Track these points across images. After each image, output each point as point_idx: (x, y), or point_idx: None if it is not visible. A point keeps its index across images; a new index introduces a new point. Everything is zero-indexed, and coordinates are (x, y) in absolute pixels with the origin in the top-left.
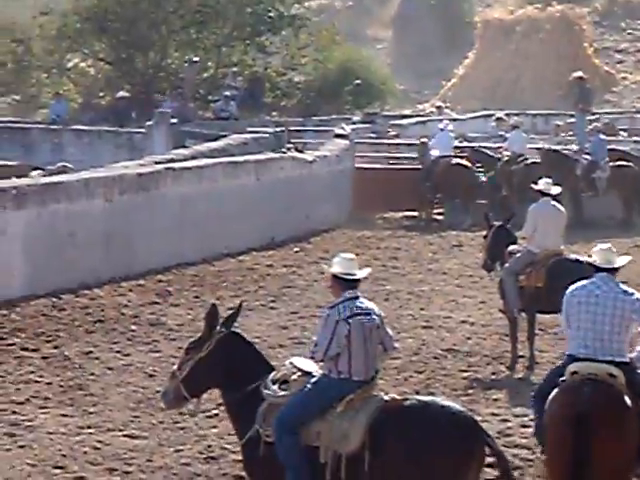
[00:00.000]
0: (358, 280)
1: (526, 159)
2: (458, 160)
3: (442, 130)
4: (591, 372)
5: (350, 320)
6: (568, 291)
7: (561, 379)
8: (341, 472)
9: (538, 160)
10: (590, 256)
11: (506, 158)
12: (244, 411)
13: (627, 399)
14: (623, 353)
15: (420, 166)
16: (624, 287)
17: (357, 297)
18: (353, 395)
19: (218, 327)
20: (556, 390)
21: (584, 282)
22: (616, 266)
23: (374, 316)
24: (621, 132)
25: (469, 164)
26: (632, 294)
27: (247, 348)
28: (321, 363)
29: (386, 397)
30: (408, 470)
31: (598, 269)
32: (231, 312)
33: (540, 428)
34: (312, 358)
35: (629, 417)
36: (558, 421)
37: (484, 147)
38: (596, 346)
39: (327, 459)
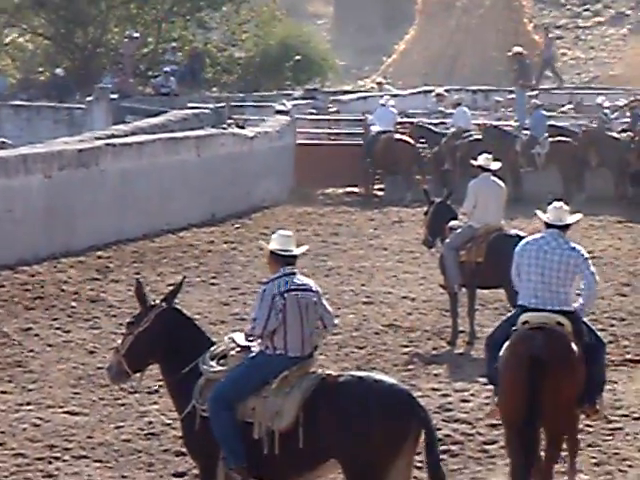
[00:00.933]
0: (295, 257)
1: (470, 135)
2: (399, 136)
3: (383, 106)
4: (541, 321)
5: (285, 295)
6: (519, 245)
7: (514, 328)
8: (275, 448)
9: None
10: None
11: (451, 133)
12: (183, 387)
13: (573, 345)
14: (569, 303)
15: (361, 142)
16: (572, 244)
17: (294, 273)
18: (288, 372)
19: (158, 302)
20: (512, 338)
21: (535, 236)
22: (567, 223)
23: (311, 292)
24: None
25: (410, 140)
26: (577, 250)
27: (186, 323)
28: (259, 340)
29: (322, 374)
30: (342, 445)
31: (549, 225)
32: (173, 287)
33: (493, 372)
34: (250, 335)
35: (575, 360)
36: (513, 365)
37: (427, 123)
38: (545, 297)
39: (261, 435)
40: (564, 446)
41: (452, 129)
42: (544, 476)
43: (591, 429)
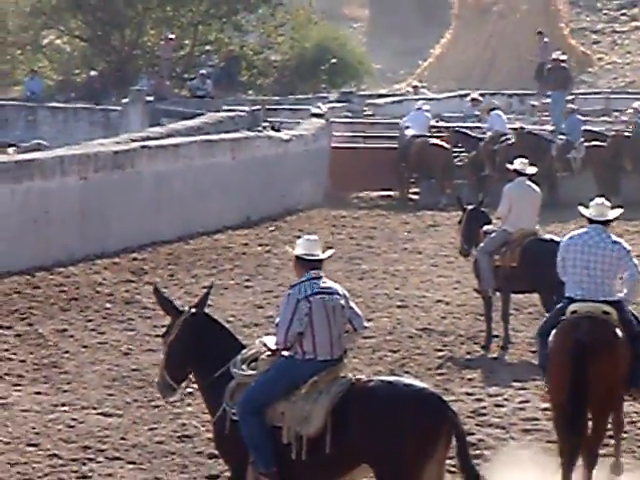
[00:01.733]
0: (321, 261)
1: (508, 139)
2: (434, 140)
3: (418, 109)
4: (588, 310)
5: (311, 298)
6: (564, 240)
7: (562, 317)
8: (302, 453)
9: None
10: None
11: (488, 138)
12: (216, 390)
13: (618, 331)
14: (614, 294)
15: (396, 145)
16: (614, 237)
17: (320, 277)
18: (317, 377)
19: (187, 308)
20: (559, 326)
21: (579, 232)
22: (608, 218)
23: (337, 296)
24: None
25: (444, 144)
26: (620, 243)
27: (214, 328)
28: (285, 349)
29: (352, 379)
30: (373, 449)
31: (592, 221)
32: (202, 294)
33: (544, 359)
34: (278, 344)
35: (619, 345)
36: (560, 350)
37: (464, 127)
38: (590, 288)
39: (290, 440)
40: (609, 427)
41: (489, 133)
42: (589, 457)
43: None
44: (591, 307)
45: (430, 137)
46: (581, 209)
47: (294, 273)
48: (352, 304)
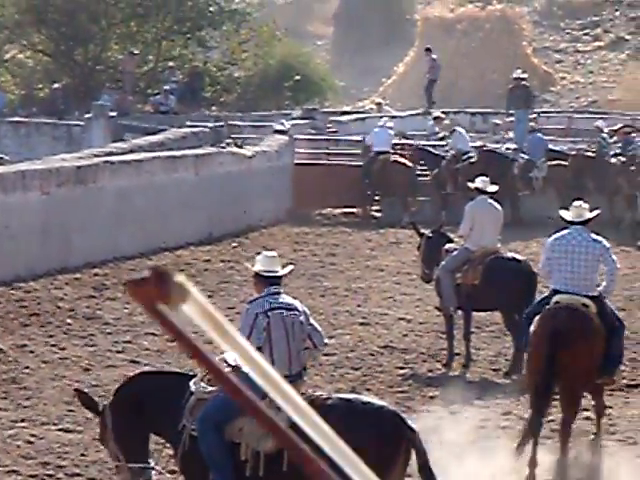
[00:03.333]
0: (280, 277)
1: (470, 157)
2: (397, 157)
3: (381, 127)
4: (569, 302)
5: (269, 313)
6: (549, 240)
7: (546, 307)
8: (259, 470)
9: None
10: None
11: (450, 156)
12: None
13: (594, 322)
14: (594, 288)
15: (359, 162)
16: (594, 236)
17: (279, 293)
18: None
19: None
20: (541, 313)
21: (562, 233)
22: (587, 218)
23: (296, 312)
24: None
25: (407, 162)
26: (600, 241)
27: (137, 389)
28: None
29: (311, 395)
30: None
31: (572, 222)
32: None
33: (526, 343)
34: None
35: (594, 335)
36: (540, 335)
37: (427, 145)
38: (574, 284)
39: (247, 456)
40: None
41: (451, 152)
42: (562, 436)
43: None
44: (572, 299)
45: (393, 154)
46: (562, 212)
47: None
48: (312, 320)
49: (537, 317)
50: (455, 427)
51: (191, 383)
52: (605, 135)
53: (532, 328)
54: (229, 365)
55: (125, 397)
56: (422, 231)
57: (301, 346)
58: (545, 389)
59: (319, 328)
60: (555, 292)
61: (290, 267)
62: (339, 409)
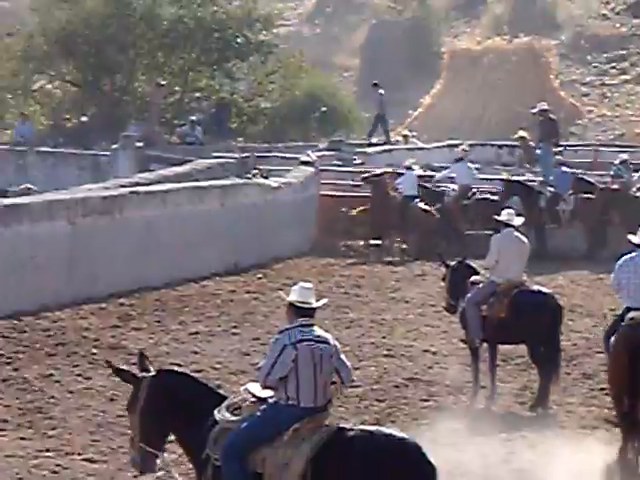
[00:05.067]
0: (313, 309)
1: (474, 193)
2: (423, 206)
3: (408, 169)
4: None
5: (298, 345)
6: (618, 263)
7: (622, 323)
8: None
9: (489, 195)
10: None
11: (457, 193)
12: (198, 439)
13: None
14: None
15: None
16: None
17: (311, 325)
18: (300, 424)
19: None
20: (618, 330)
21: (630, 255)
22: None
23: (327, 345)
24: None
25: (432, 210)
26: None
27: (183, 382)
28: (269, 391)
29: (334, 427)
30: None
31: (638, 245)
32: (138, 357)
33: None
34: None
35: None
36: (617, 351)
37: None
38: None
39: None
40: None
41: (453, 186)
42: None
43: None
44: None
45: (421, 200)
46: (630, 237)
47: (282, 320)
48: (342, 355)
49: (615, 334)
50: (480, 460)
51: (216, 412)
52: (620, 166)
53: (611, 344)
54: (254, 396)
55: (165, 384)
56: (447, 262)
57: (328, 380)
58: (631, 402)
59: (348, 364)
60: (628, 309)
61: (324, 300)
62: (361, 441)
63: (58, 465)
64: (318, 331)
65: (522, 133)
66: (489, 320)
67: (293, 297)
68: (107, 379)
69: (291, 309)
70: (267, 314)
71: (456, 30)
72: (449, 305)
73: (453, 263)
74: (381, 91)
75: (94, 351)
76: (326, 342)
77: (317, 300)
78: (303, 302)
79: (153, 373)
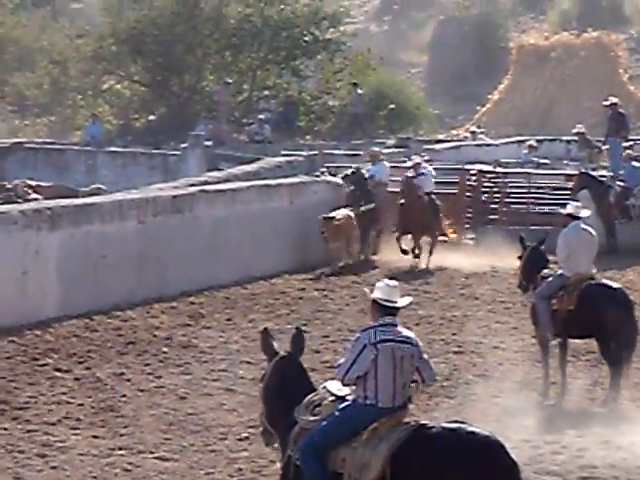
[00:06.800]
0: (398, 308)
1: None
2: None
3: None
4: None
5: (379, 345)
6: None
7: None
8: None
9: None
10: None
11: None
12: (287, 434)
13: None
14: None
15: (455, 190)
16: None
17: (394, 324)
18: (378, 423)
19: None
20: None
21: None
22: None
23: (409, 345)
24: None
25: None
26: None
27: (294, 372)
28: (348, 389)
29: (413, 425)
30: None
31: None
32: (296, 335)
33: None
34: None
35: None
36: None
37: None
38: None
39: None
40: None
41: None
42: None
43: None
44: None
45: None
46: None
47: (351, 318)
48: (424, 355)
49: None
50: (552, 457)
51: (295, 411)
52: None
53: None
54: (333, 395)
55: (279, 372)
56: (527, 244)
57: (408, 380)
58: None
59: (431, 363)
60: None
61: (409, 299)
62: (443, 439)
63: (130, 463)
64: (401, 330)
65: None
66: (559, 314)
67: (377, 295)
68: (178, 377)
69: (375, 307)
70: (336, 312)
71: (523, 25)
72: (522, 284)
73: (531, 245)
74: (359, 91)
75: (165, 350)
76: (408, 342)
77: (401, 298)
78: (387, 300)
79: (283, 354)
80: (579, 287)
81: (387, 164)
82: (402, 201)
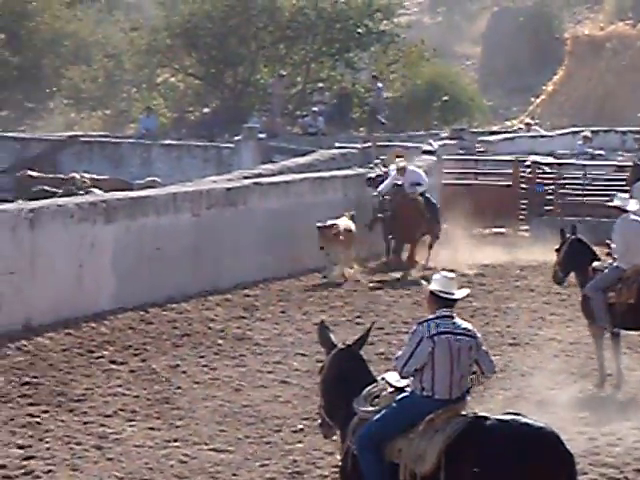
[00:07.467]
0: (455, 300)
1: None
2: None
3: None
4: None
5: (435, 338)
6: None
7: None
8: None
9: None
10: None
11: None
12: (346, 426)
13: None
14: None
15: (509, 183)
16: None
17: (451, 316)
18: (434, 414)
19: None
20: None
21: None
22: None
23: (467, 337)
24: None
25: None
26: None
27: (354, 364)
28: (406, 380)
29: (469, 417)
30: None
31: None
32: (365, 331)
33: None
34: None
35: None
36: None
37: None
38: None
39: (405, 477)
40: None
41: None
42: None
43: None
44: None
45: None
46: None
47: (405, 310)
48: (483, 347)
49: None
50: (608, 449)
51: (354, 403)
52: None
53: None
54: (392, 386)
55: (339, 364)
56: (567, 236)
57: (466, 372)
58: None
59: (490, 355)
60: None
61: (466, 290)
62: (498, 431)
63: (186, 455)
64: (459, 322)
65: None
66: (617, 307)
67: (435, 286)
68: (232, 370)
69: (432, 298)
70: (390, 304)
71: (578, 16)
72: (557, 276)
73: (573, 237)
74: (379, 85)
75: (220, 342)
76: (466, 334)
77: (458, 290)
78: (445, 292)
79: (342, 347)
80: (638, 280)
81: (418, 170)
82: (391, 213)
